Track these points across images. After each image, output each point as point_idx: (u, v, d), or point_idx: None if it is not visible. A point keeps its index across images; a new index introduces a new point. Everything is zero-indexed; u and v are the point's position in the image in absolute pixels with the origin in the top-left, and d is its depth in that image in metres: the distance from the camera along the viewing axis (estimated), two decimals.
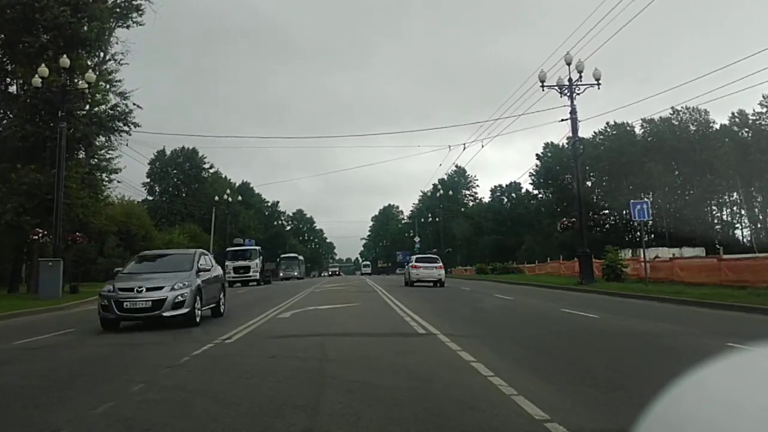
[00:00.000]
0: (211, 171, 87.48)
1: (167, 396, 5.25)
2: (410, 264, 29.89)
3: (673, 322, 11.01)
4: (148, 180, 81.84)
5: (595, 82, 25.01)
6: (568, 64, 25.14)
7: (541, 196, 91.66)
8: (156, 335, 10.30)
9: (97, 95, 29.45)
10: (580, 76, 25.00)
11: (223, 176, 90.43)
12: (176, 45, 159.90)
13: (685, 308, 14.25)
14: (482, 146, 37.59)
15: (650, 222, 21.07)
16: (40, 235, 24.32)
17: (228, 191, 63.81)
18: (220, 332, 9.89)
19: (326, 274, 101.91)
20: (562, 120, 25.78)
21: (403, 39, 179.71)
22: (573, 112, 25.26)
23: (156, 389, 5.54)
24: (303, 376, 5.98)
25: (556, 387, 5.36)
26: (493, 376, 5.72)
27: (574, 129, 25.41)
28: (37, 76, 23.64)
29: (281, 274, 66.20)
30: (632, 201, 21.14)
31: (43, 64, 24.00)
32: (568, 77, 25.23)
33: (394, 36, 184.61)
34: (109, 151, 31.89)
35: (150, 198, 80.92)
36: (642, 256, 31.36)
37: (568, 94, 25.36)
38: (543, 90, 25.78)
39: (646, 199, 21.35)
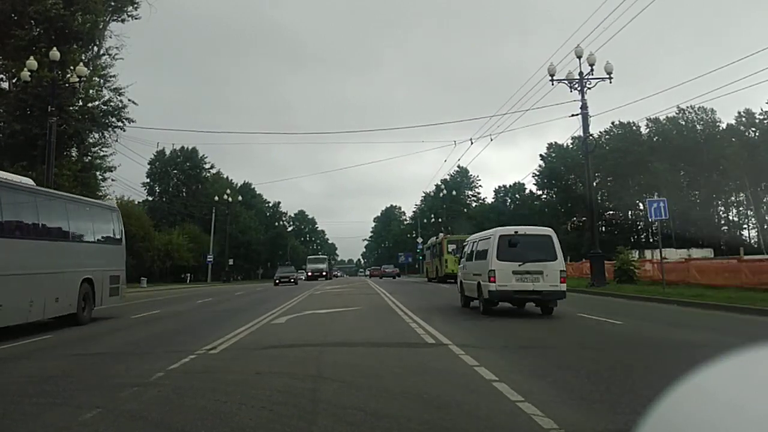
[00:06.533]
0: (212, 171, 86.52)
1: (119, 431, 4.24)
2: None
3: (706, 330, 9.98)
4: (148, 180, 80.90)
5: (607, 76, 24.02)
6: (579, 57, 24.12)
7: (544, 197, 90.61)
8: (138, 344, 9.34)
9: (91, 91, 28.56)
10: (592, 70, 24.02)
11: (225, 176, 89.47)
12: (186, 49, 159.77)
13: (711, 313, 13.25)
14: (491, 140, 36.35)
15: (656, 222, 20.00)
16: None
17: (228, 191, 62.77)
18: (205, 341, 8.88)
19: (288, 277, 46.24)
20: (573, 115, 24.77)
21: (410, 45, 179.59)
22: (584, 107, 24.24)
23: (110, 419, 4.52)
24: (292, 400, 4.95)
25: (604, 416, 4.34)
26: (523, 401, 4.70)
27: (585, 124, 24.38)
28: (26, 69, 22.75)
29: None
30: (648, 199, 20.07)
31: (31, 57, 23.09)
32: (578, 71, 24.29)
33: (401, 42, 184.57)
34: (103, 149, 30.97)
35: (150, 198, 80.00)
36: (654, 257, 30.42)
37: (579, 88, 24.36)
38: (552, 84, 24.79)
39: (662, 198, 20.18)
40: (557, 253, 13.60)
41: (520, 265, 13.32)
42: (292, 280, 45.75)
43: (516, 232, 14.53)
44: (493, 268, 13.38)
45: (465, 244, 17.98)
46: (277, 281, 45.44)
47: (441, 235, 42.84)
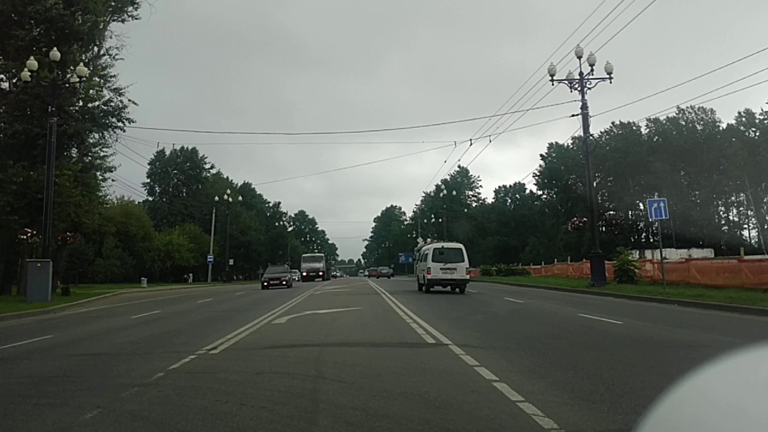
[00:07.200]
0: (212, 171, 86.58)
1: (119, 431, 4.25)
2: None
3: (707, 330, 9.98)
4: (148, 180, 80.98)
5: (607, 76, 24.02)
6: (579, 57, 24.14)
7: (545, 197, 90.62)
8: (138, 344, 9.33)
9: (91, 91, 28.54)
10: (592, 70, 24.03)
11: (225, 176, 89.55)
12: (190, 51, 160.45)
13: (711, 313, 13.25)
14: (490, 141, 36.64)
15: (656, 222, 20.02)
16: (29, 235, 23.35)
17: (228, 191, 62.77)
18: (205, 341, 8.89)
19: (278, 278, 37.49)
20: (573, 115, 24.79)
21: (411, 47, 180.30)
22: (584, 107, 24.26)
23: (111, 419, 4.52)
24: (292, 400, 4.96)
25: (604, 416, 4.34)
26: (524, 401, 4.70)
27: (585, 124, 24.41)
28: (26, 69, 22.75)
29: None
30: (649, 199, 20.08)
31: (32, 57, 23.10)
32: (578, 71, 24.28)
33: (403, 44, 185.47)
34: (104, 149, 30.91)
35: (150, 198, 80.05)
36: (654, 257, 30.40)
37: (579, 88, 24.36)
38: (552, 84, 24.82)
39: (662, 198, 20.21)
40: (465, 258, 23.41)
41: (444, 265, 23.05)
42: (284, 282, 36.97)
43: (443, 246, 24.79)
44: (429, 266, 23.47)
45: (419, 251, 28.22)
46: (265, 283, 36.36)
47: (429, 239, 49.04)
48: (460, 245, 24.46)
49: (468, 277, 23.76)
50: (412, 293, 23.61)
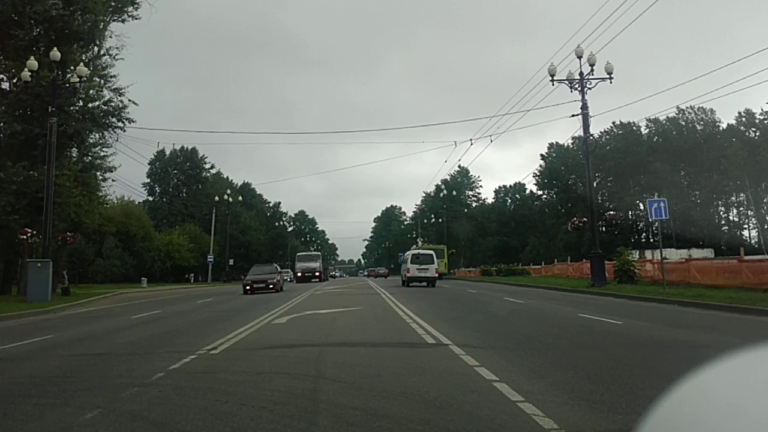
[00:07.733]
0: (212, 171, 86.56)
1: (120, 431, 4.25)
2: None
3: (707, 330, 9.98)
4: (148, 180, 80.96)
5: (607, 76, 24.01)
6: (579, 57, 24.13)
7: (545, 197, 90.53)
8: (138, 344, 9.33)
9: (91, 91, 28.54)
10: (592, 70, 24.03)
11: (225, 176, 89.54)
12: (191, 51, 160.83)
13: (712, 313, 13.24)
14: (491, 141, 36.74)
15: (657, 223, 20.02)
16: (29, 235, 23.35)
17: (228, 191, 62.70)
18: (205, 341, 8.89)
19: (264, 281, 29.00)
20: (573, 115, 24.78)
21: (411, 47, 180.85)
22: (584, 107, 24.24)
23: (111, 419, 4.52)
24: (292, 400, 4.96)
25: (604, 416, 4.34)
26: (524, 401, 4.70)
27: (586, 124, 24.39)
28: (26, 69, 22.75)
29: None
30: (649, 199, 20.08)
31: (32, 57, 23.10)
32: (579, 71, 24.27)
33: (403, 44, 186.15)
34: (104, 149, 30.92)
35: (150, 198, 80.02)
36: (655, 257, 30.41)
37: (579, 88, 24.35)
38: (553, 84, 24.81)
39: (662, 198, 20.22)
40: (434, 260, 31.28)
41: (419, 266, 30.81)
42: (271, 286, 28.69)
43: (419, 252, 33.37)
44: (408, 267, 31.37)
45: (405, 255, 36.93)
46: (247, 287, 28.18)
47: (420, 242, 54.98)
48: (431, 252, 32.59)
49: (436, 275, 31.49)
50: (409, 292, 24.66)
